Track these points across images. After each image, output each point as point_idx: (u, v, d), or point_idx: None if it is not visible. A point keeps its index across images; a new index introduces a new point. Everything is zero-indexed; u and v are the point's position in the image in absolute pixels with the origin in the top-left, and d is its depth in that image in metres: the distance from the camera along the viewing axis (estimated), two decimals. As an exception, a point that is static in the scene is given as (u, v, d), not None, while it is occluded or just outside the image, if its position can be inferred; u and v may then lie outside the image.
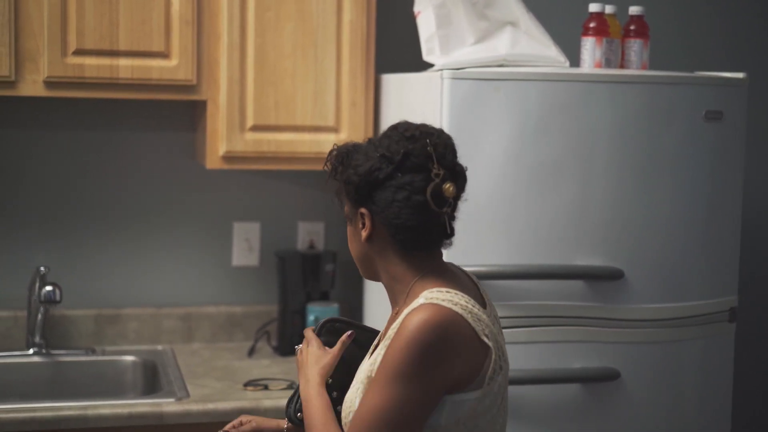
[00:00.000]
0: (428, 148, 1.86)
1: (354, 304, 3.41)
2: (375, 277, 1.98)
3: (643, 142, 2.71)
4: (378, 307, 3.12)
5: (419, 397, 1.77)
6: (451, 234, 1.89)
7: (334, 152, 1.96)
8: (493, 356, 1.83)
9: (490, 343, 1.82)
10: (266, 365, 3.11)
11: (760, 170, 3.69)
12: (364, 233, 1.90)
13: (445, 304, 1.80)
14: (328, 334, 2.04)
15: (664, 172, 2.73)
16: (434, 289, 1.84)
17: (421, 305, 1.80)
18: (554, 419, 2.71)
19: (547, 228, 2.67)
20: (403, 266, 1.90)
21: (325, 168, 1.98)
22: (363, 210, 1.89)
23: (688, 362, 2.81)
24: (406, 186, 1.84)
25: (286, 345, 3.23)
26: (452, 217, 1.88)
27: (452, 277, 1.91)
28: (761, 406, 3.80)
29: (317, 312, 3.22)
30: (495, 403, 1.85)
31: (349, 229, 1.96)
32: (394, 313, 1.94)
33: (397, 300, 1.93)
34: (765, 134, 3.73)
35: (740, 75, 2.85)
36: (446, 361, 1.78)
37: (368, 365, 1.88)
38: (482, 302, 1.92)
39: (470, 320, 1.81)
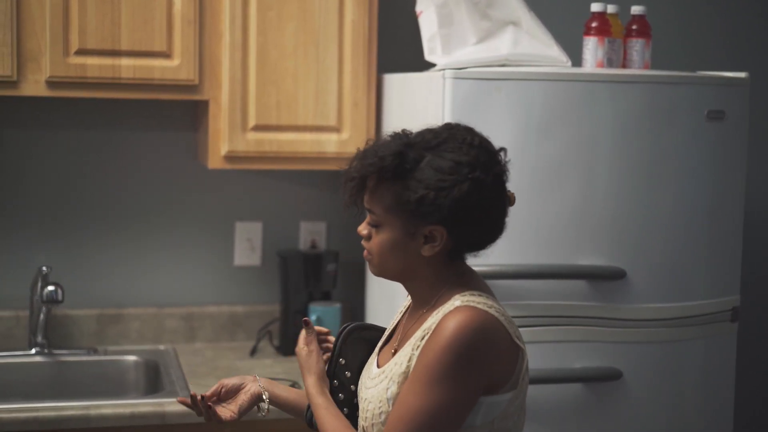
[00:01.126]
0: (504, 168, 1.89)
1: (356, 304, 3.41)
2: (400, 280, 1.93)
3: (645, 142, 2.71)
4: (379, 306, 3.12)
5: (461, 398, 1.78)
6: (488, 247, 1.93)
7: (383, 156, 1.82)
8: (526, 357, 1.86)
9: (522, 345, 1.85)
10: (268, 365, 3.11)
11: (761, 170, 3.69)
12: (432, 249, 1.84)
13: (480, 306, 1.81)
14: (352, 345, 2.04)
15: (666, 171, 2.73)
16: (467, 293, 1.85)
17: (458, 308, 1.81)
18: (556, 419, 2.71)
19: (549, 228, 2.67)
20: (443, 272, 1.89)
21: (349, 170, 1.86)
22: (439, 228, 1.82)
23: (690, 362, 2.81)
24: (494, 205, 1.86)
25: (288, 344, 3.23)
26: None
27: (480, 281, 1.93)
28: (763, 405, 3.80)
29: (319, 311, 3.22)
30: (523, 403, 1.88)
31: (391, 239, 1.85)
32: (421, 313, 1.92)
33: (426, 301, 1.91)
34: (767, 134, 3.73)
35: (742, 75, 2.85)
36: (486, 362, 1.79)
37: (403, 364, 1.85)
38: None
39: (505, 323, 1.83)
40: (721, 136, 2.79)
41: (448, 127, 1.89)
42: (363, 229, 1.91)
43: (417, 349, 1.83)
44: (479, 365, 1.78)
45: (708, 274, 2.82)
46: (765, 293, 3.76)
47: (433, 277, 1.89)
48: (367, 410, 1.90)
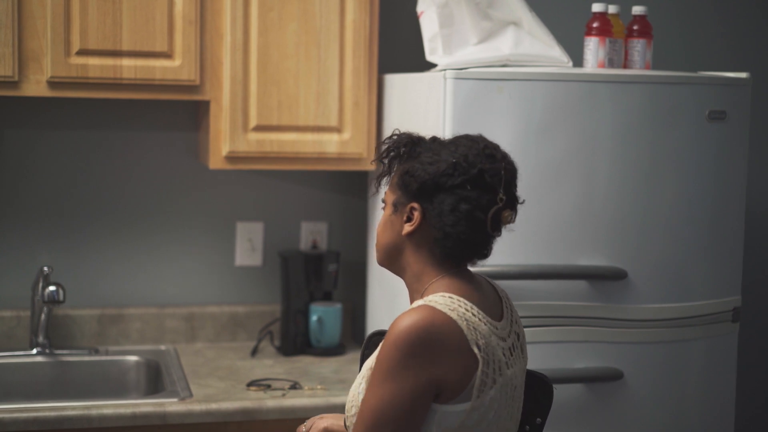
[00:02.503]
0: (501, 172, 1.89)
1: (357, 304, 3.41)
2: (390, 267, 1.99)
3: (646, 142, 2.71)
4: (381, 307, 3.12)
5: (408, 394, 1.79)
6: (487, 256, 1.94)
7: (397, 137, 1.97)
8: (480, 368, 1.82)
9: (479, 354, 1.82)
10: (269, 365, 3.11)
11: (763, 170, 3.69)
12: (408, 227, 1.91)
13: (440, 307, 1.82)
14: (374, 347, 2.05)
15: (667, 171, 2.73)
16: (439, 294, 1.87)
17: (417, 306, 1.83)
18: (557, 419, 2.70)
19: (550, 228, 2.67)
20: (428, 268, 1.92)
21: (379, 148, 1.99)
22: (416, 205, 1.90)
23: (691, 362, 2.81)
24: (471, 200, 1.87)
25: (289, 345, 3.23)
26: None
27: (469, 284, 1.92)
28: (764, 405, 3.80)
29: (320, 312, 3.22)
30: (486, 417, 1.84)
31: (387, 215, 1.97)
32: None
33: (414, 298, 1.95)
34: (768, 134, 3.73)
35: (743, 75, 2.85)
36: (432, 362, 1.79)
37: (372, 360, 1.90)
38: (498, 315, 1.93)
39: (463, 327, 1.82)
40: (723, 136, 2.79)
41: (469, 134, 1.98)
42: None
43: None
44: (424, 364, 1.79)
45: (709, 274, 2.82)
46: (766, 293, 3.76)
47: (422, 273, 1.92)
48: (346, 404, 1.95)
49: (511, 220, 1.91)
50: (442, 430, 1.82)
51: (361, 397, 1.88)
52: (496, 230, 1.90)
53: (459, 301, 1.85)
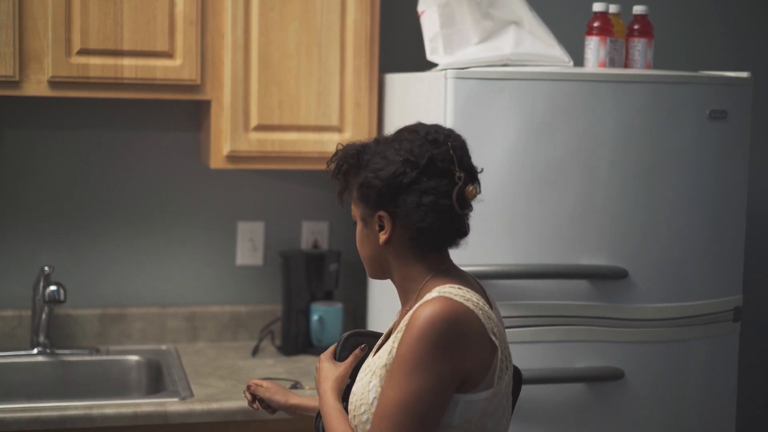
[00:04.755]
0: (450, 152, 1.88)
1: (358, 304, 3.41)
2: (384, 277, 1.99)
3: (647, 142, 2.71)
4: (382, 306, 3.12)
5: (436, 387, 1.78)
6: (467, 233, 1.93)
7: (341, 151, 1.96)
8: (500, 355, 1.85)
9: (497, 342, 1.84)
10: (270, 365, 3.11)
11: (764, 169, 3.69)
12: (383, 236, 1.91)
13: (456, 298, 1.82)
14: (351, 349, 2.05)
15: (668, 171, 2.73)
16: (447, 285, 1.87)
17: (434, 298, 1.82)
18: (558, 419, 2.71)
19: (552, 227, 2.67)
20: (417, 266, 1.92)
21: (329, 167, 1.98)
22: (382, 213, 1.89)
23: (692, 362, 2.81)
24: (431, 191, 1.86)
25: (290, 344, 3.23)
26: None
27: (462, 276, 1.94)
28: (765, 405, 3.80)
29: (321, 311, 3.22)
30: (502, 403, 1.87)
31: (360, 230, 1.96)
32: (405, 310, 1.95)
33: (409, 298, 1.94)
34: (769, 133, 3.73)
35: (744, 74, 2.85)
36: (459, 353, 1.79)
37: (384, 357, 1.87)
38: (488, 303, 1.94)
39: (481, 317, 1.83)
40: (724, 135, 2.79)
41: (405, 126, 1.96)
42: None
43: (396, 342, 1.85)
44: (451, 354, 1.79)
45: (710, 273, 2.82)
46: (767, 293, 3.76)
47: (414, 274, 1.92)
48: (352, 403, 1.92)
49: (478, 192, 1.91)
50: (465, 419, 1.82)
51: (372, 394, 1.86)
52: (466, 208, 1.90)
53: (469, 291, 1.86)
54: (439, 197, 1.87)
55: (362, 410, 1.88)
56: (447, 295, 1.83)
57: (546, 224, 2.67)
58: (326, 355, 2.06)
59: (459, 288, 1.86)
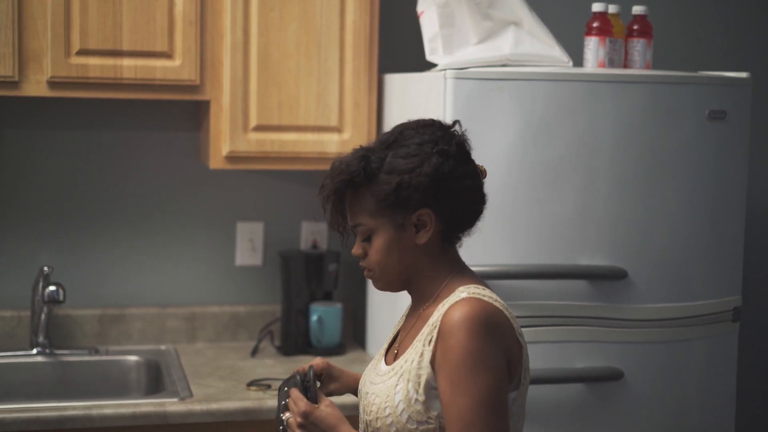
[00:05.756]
0: (465, 134, 1.91)
1: (357, 304, 3.41)
2: (401, 287, 1.95)
3: (647, 142, 2.71)
4: (381, 306, 3.12)
5: (502, 379, 1.79)
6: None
7: (338, 169, 1.87)
8: (525, 356, 1.86)
9: (522, 342, 1.86)
10: (269, 365, 3.11)
11: (763, 170, 3.69)
12: (425, 235, 1.87)
13: (485, 299, 1.83)
14: (286, 395, 1.98)
15: (667, 171, 2.73)
16: (471, 286, 1.87)
17: (465, 299, 1.82)
18: (558, 419, 2.71)
19: (551, 228, 2.67)
20: (440, 264, 1.91)
21: (327, 189, 1.89)
22: (425, 211, 1.86)
23: (691, 362, 2.81)
24: (467, 174, 1.88)
25: (290, 345, 3.23)
26: None
27: (478, 277, 1.94)
28: (764, 405, 3.80)
29: (320, 312, 3.22)
30: (523, 405, 1.88)
31: (386, 239, 1.88)
32: (422, 308, 1.93)
33: (427, 296, 1.92)
34: (768, 134, 3.73)
35: (743, 74, 2.85)
36: (501, 349, 1.80)
37: (415, 360, 1.84)
38: None
39: (509, 317, 1.85)
40: (723, 136, 2.79)
41: (400, 125, 1.94)
42: (356, 249, 1.94)
43: (429, 344, 1.83)
44: (500, 349, 1.80)
45: (709, 274, 2.82)
46: (766, 293, 3.76)
47: (432, 269, 1.91)
48: (373, 404, 1.89)
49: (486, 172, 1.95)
50: None
51: (399, 396, 1.83)
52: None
53: (492, 293, 1.88)
54: (474, 179, 1.89)
55: (387, 412, 1.85)
56: (476, 296, 1.83)
57: (545, 224, 2.67)
58: (304, 403, 1.94)
59: (483, 289, 1.87)
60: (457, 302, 1.82)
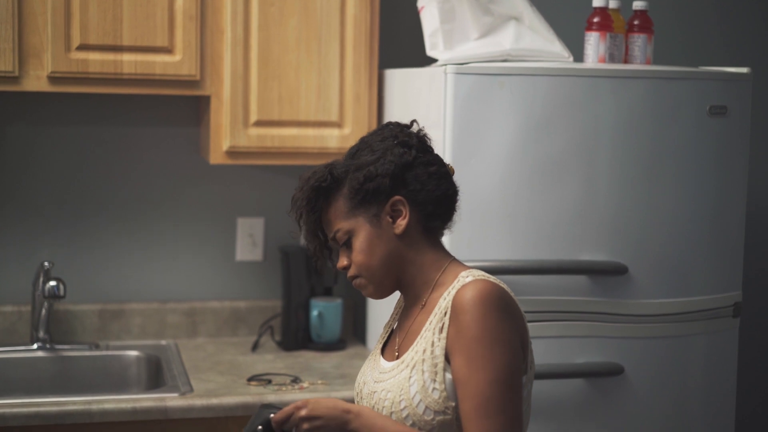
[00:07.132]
0: (424, 131, 1.98)
1: (357, 300, 3.41)
2: (395, 286, 1.96)
3: (647, 138, 2.71)
4: (381, 302, 3.11)
5: (518, 356, 1.81)
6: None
7: (315, 171, 1.96)
8: (530, 342, 1.88)
9: (526, 324, 1.89)
10: (270, 360, 3.11)
11: (764, 165, 3.69)
12: (402, 222, 1.90)
13: (492, 279, 1.85)
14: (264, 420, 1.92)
15: (668, 167, 2.73)
16: (474, 270, 1.89)
17: (474, 281, 1.84)
18: (558, 414, 2.71)
19: (551, 223, 2.67)
20: (430, 254, 1.93)
21: (297, 206, 1.97)
22: (397, 198, 1.90)
23: (692, 357, 2.81)
24: (432, 162, 1.93)
25: (290, 340, 3.23)
26: None
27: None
28: (765, 400, 3.80)
29: (321, 307, 3.22)
30: (530, 390, 1.89)
31: (365, 238, 1.91)
32: (421, 304, 1.93)
33: (423, 291, 1.93)
34: (769, 129, 3.73)
35: (744, 70, 2.85)
36: (515, 326, 1.82)
37: (427, 349, 1.84)
38: None
39: (517, 302, 1.87)
40: (723, 131, 2.79)
41: (361, 138, 2.01)
42: (341, 261, 1.97)
43: (441, 331, 1.83)
44: (515, 325, 1.82)
45: (710, 269, 2.82)
46: (767, 289, 3.76)
47: (420, 262, 1.92)
48: (386, 399, 1.87)
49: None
50: None
51: (414, 388, 1.83)
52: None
53: (497, 279, 1.89)
54: (439, 166, 1.94)
55: (402, 406, 1.84)
56: (482, 277, 1.85)
57: (546, 219, 2.67)
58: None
59: (485, 273, 1.89)
60: (466, 284, 1.83)
